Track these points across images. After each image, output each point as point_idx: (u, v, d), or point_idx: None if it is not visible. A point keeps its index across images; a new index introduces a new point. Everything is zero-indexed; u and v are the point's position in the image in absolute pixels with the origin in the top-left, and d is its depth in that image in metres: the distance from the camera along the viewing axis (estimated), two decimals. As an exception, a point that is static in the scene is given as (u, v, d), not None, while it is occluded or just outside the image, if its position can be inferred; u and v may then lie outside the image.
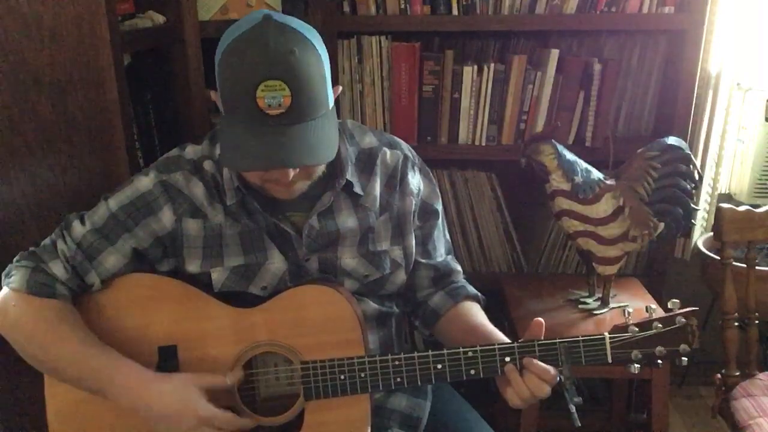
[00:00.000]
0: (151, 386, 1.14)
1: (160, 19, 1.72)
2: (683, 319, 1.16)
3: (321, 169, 1.22)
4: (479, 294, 1.40)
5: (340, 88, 1.22)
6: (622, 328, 1.17)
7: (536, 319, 1.18)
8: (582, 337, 1.16)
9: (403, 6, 1.91)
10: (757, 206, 1.71)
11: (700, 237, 2.18)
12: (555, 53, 1.91)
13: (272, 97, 1.04)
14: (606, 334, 1.16)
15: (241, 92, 1.06)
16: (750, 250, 1.71)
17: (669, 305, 1.18)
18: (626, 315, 1.18)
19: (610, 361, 1.16)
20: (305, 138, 1.08)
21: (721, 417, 1.67)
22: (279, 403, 1.23)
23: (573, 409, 1.12)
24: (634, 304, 1.81)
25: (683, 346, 1.16)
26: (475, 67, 1.94)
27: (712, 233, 1.79)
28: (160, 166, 1.27)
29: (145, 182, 1.25)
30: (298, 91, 1.05)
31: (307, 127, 1.08)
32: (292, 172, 1.13)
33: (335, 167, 1.27)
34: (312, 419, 1.20)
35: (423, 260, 1.37)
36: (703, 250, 2.11)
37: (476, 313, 1.35)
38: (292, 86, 1.04)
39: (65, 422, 1.22)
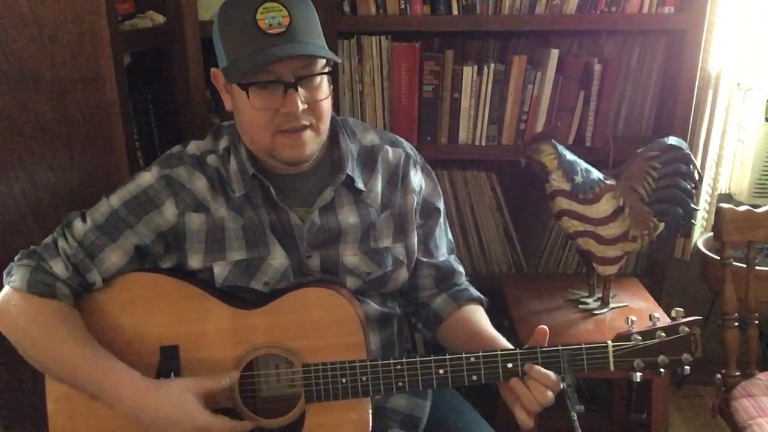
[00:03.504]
0: (146, 395, 1.14)
1: (160, 19, 1.72)
2: (686, 329, 1.15)
3: (327, 126, 1.24)
4: (482, 297, 1.40)
5: (338, 59, 1.25)
6: (625, 336, 1.16)
7: (540, 326, 1.18)
8: (585, 344, 1.15)
9: (403, 6, 1.91)
10: (757, 206, 1.71)
11: (700, 237, 2.18)
12: (555, 53, 1.91)
13: (272, 17, 1.12)
14: (609, 342, 1.15)
15: (242, 19, 1.13)
16: (750, 250, 1.71)
17: (672, 314, 1.18)
18: (629, 323, 1.17)
19: (612, 368, 1.15)
20: (308, 48, 1.15)
21: (721, 417, 1.67)
22: (280, 405, 1.23)
23: (574, 417, 1.11)
24: (634, 305, 1.81)
25: (686, 356, 1.15)
26: (475, 67, 1.94)
27: (712, 233, 1.79)
28: (163, 161, 1.28)
29: (147, 177, 1.25)
30: (295, 12, 1.14)
31: (307, 46, 1.15)
32: (300, 104, 1.15)
33: (336, 162, 1.28)
34: (313, 422, 1.20)
35: (425, 259, 1.37)
36: (703, 250, 2.11)
37: (479, 317, 1.34)
38: (288, 8, 1.13)
39: (65, 418, 1.22)
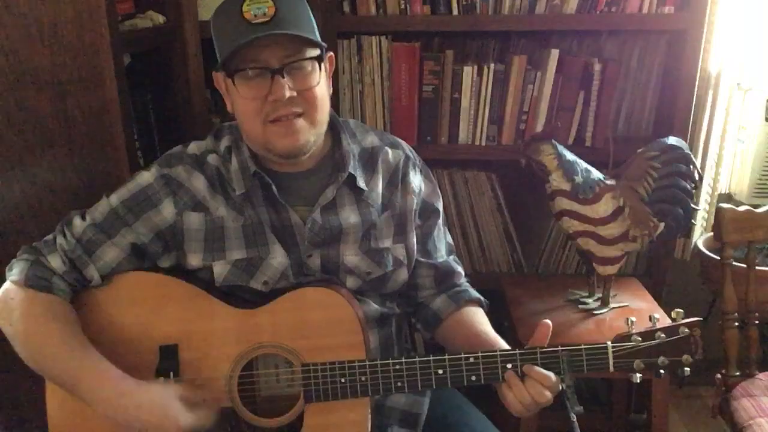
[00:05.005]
0: (128, 396, 1.13)
1: (160, 19, 1.72)
2: (686, 330, 1.15)
3: (324, 117, 1.24)
4: (482, 298, 1.40)
5: (332, 54, 1.27)
6: (625, 337, 1.15)
7: (544, 321, 1.18)
8: (584, 345, 1.15)
9: (403, 6, 1.91)
10: (757, 206, 1.71)
11: (700, 237, 2.17)
12: (555, 53, 1.91)
13: (257, 8, 1.14)
14: (609, 343, 1.15)
15: (230, 14, 1.16)
16: (750, 250, 1.71)
17: (672, 315, 1.17)
18: (629, 324, 1.17)
19: (611, 369, 1.15)
20: (285, 32, 1.15)
21: (721, 417, 1.67)
22: (279, 405, 1.23)
23: (574, 418, 1.11)
24: (634, 305, 1.81)
25: (686, 357, 1.15)
26: (475, 67, 1.94)
27: (712, 233, 1.79)
28: (162, 161, 1.29)
29: (146, 176, 1.26)
30: (280, 3, 1.15)
31: (291, 31, 1.16)
32: (287, 90, 1.15)
33: (338, 162, 1.28)
34: (311, 422, 1.20)
35: (423, 259, 1.37)
36: (703, 250, 2.11)
37: (479, 319, 1.34)
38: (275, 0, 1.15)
39: (65, 418, 1.22)
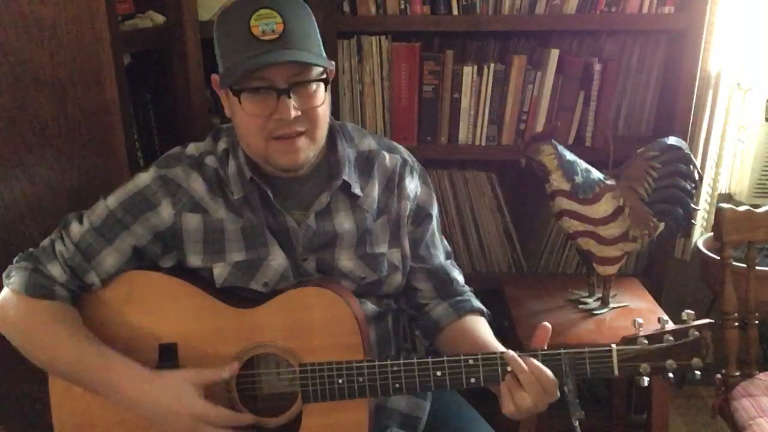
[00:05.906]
0: (145, 385, 1.14)
1: (160, 19, 1.72)
2: (696, 332, 1.10)
3: (324, 133, 1.24)
4: (485, 308, 1.38)
5: (333, 63, 1.25)
6: (631, 339, 1.11)
7: (544, 324, 1.16)
8: (588, 348, 1.12)
9: (403, 6, 1.91)
10: (757, 206, 1.71)
11: (700, 237, 2.17)
12: (555, 53, 1.91)
13: (266, 23, 1.12)
14: (613, 346, 1.11)
15: (237, 26, 1.14)
16: (750, 250, 1.71)
17: (683, 316, 1.13)
18: (636, 326, 1.12)
19: (616, 373, 1.10)
20: (299, 55, 1.15)
21: (721, 417, 1.67)
22: (278, 404, 1.23)
23: (576, 423, 1.09)
24: (634, 305, 1.81)
25: (696, 360, 1.10)
26: (475, 67, 1.94)
27: (712, 233, 1.79)
28: (161, 162, 1.28)
29: (144, 178, 1.26)
30: (289, 19, 1.13)
31: (300, 53, 1.15)
32: (293, 110, 1.14)
33: (333, 167, 1.28)
34: (310, 422, 1.20)
35: (416, 264, 1.36)
36: (703, 250, 2.11)
37: (481, 328, 1.32)
38: (283, 14, 1.13)
39: (68, 414, 1.22)
